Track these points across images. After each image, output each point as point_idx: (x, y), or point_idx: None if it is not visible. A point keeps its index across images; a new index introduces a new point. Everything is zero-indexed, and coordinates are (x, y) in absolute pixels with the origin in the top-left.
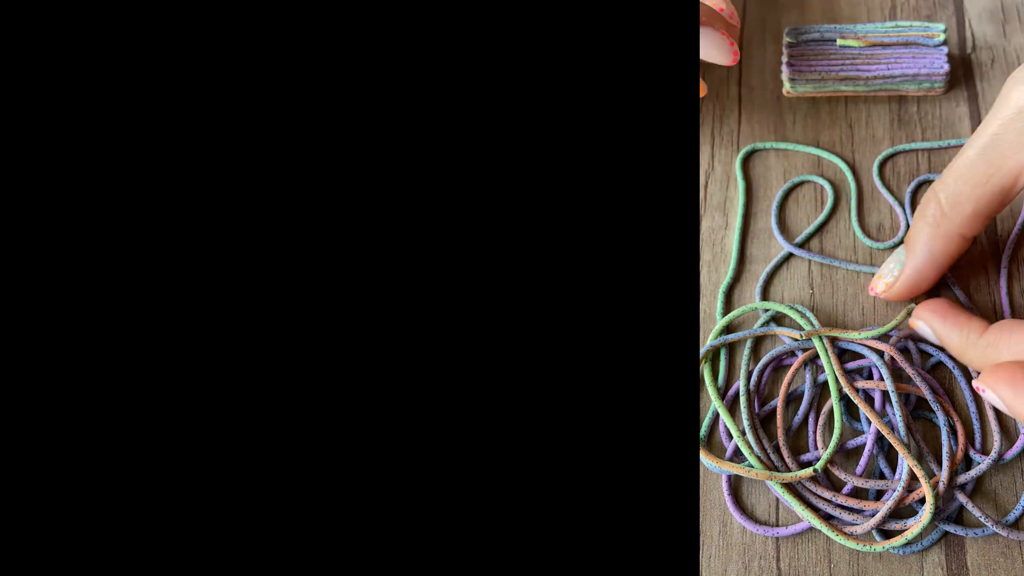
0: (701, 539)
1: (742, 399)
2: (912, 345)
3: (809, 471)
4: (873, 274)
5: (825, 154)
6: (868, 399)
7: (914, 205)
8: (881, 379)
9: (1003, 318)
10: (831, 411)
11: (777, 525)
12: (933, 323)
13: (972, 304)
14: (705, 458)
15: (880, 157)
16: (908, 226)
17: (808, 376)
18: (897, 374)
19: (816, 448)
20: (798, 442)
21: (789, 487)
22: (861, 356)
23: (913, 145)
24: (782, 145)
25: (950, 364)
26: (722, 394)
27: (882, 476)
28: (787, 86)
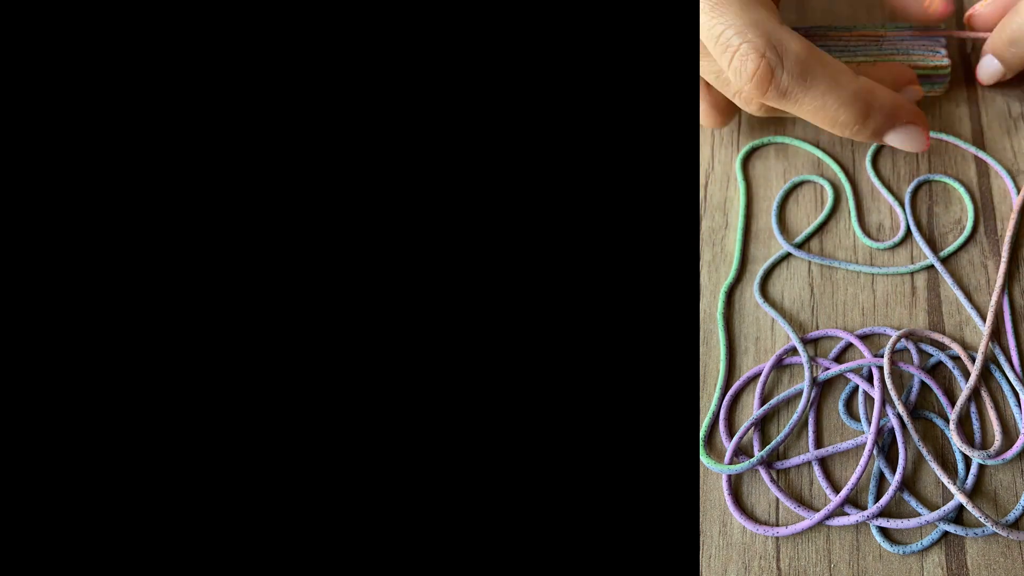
0: (701, 539)
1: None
2: (912, 345)
3: None
4: (873, 275)
5: (825, 156)
6: (868, 399)
7: (914, 205)
8: (881, 379)
9: (1003, 318)
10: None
11: (777, 525)
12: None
13: (972, 304)
14: (705, 458)
15: (875, 146)
16: (908, 226)
17: (808, 375)
18: (897, 374)
19: (816, 448)
20: (798, 442)
21: (789, 488)
22: (861, 356)
23: None
24: (780, 139)
25: (950, 364)
26: (722, 394)
27: (882, 476)
28: None
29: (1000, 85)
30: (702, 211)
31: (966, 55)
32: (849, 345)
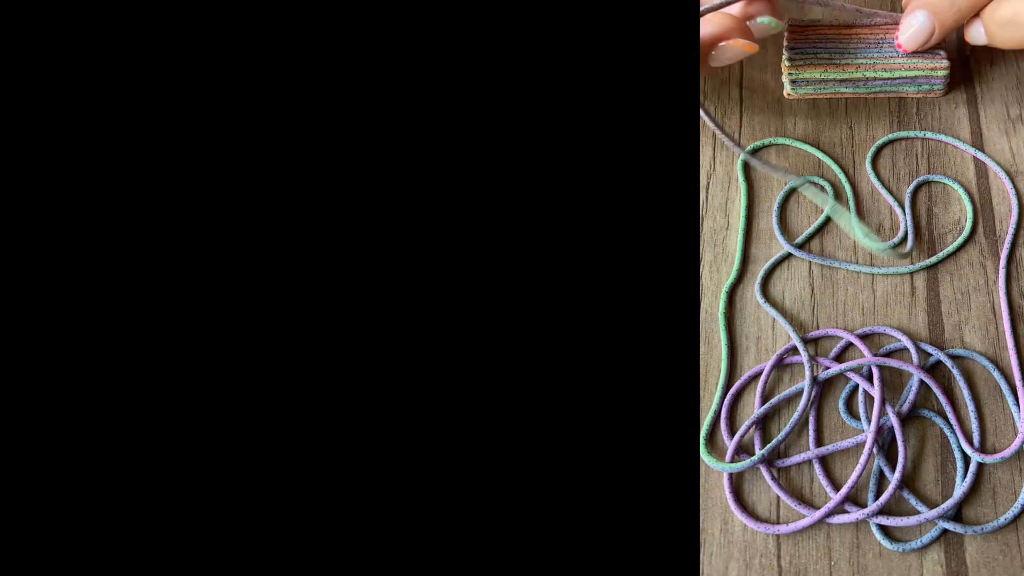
0: (702, 537)
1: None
2: (911, 344)
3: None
4: (873, 274)
5: (825, 158)
6: (868, 398)
7: (914, 205)
8: (881, 378)
9: (1002, 318)
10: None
11: (778, 523)
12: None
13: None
14: (707, 456)
15: (876, 144)
16: (908, 226)
17: (808, 374)
18: (897, 373)
19: (816, 447)
20: (798, 440)
21: (790, 486)
22: (861, 355)
23: (911, 133)
24: (781, 140)
25: (949, 364)
26: (723, 393)
27: (882, 474)
28: (787, 88)
29: (1000, 86)
30: (704, 212)
31: (965, 57)
32: (849, 344)
